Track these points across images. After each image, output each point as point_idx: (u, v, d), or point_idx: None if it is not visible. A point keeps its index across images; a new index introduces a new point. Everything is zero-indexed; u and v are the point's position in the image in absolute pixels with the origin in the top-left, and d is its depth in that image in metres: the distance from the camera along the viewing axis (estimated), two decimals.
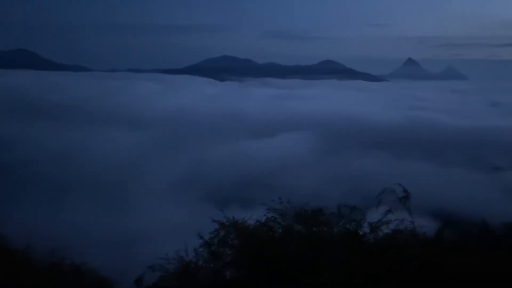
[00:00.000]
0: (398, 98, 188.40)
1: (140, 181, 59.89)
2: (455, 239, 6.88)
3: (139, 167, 67.00)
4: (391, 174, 58.03)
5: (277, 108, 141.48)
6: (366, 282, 5.92)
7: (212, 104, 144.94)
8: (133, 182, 58.48)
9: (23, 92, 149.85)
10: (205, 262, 7.06)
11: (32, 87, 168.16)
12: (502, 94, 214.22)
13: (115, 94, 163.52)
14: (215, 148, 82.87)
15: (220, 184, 61.20)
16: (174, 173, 64.98)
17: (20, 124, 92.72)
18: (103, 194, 52.41)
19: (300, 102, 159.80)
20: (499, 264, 5.23)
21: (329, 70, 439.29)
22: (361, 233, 7.80)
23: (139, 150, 78.77)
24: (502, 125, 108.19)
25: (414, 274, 5.54)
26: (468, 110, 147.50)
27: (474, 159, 77.00)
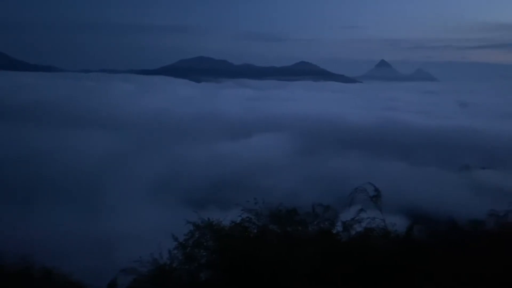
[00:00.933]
0: (372, 99, 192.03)
1: (115, 183, 58.84)
2: (424, 236, 7.09)
3: (114, 169, 65.84)
4: (365, 173, 58.95)
5: (253, 109, 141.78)
6: (338, 281, 6.04)
7: (188, 105, 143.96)
8: (107, 185, 57.42)
9: None
10: (179, 264, 7.02)
11: (2, 88, 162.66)
12: (470, 95, 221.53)
13: (88, 95, 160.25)
14: (192, 150, 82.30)
15: (196, 186, 60.82)
16: (150, 175, 64.17)
17: None
18: (76, 197, 51.26)
19: (276, 103, 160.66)
20: (466, 261, 5.41)
21: (304, 71, 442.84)
22: (334, 232, 7.95)
23: (113, 152, 77.33)
24: (471, 125, 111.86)
25: (385, 272, 5.69)
26: (438, 110, 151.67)
27: (443, 158, 79.25)
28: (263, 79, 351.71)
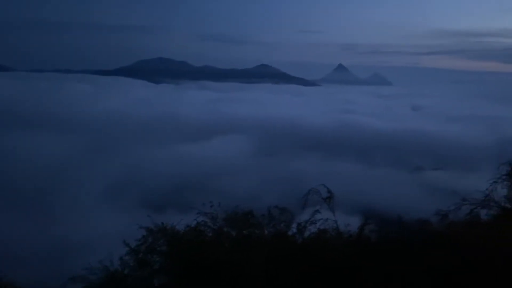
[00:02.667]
0: (330, 102, 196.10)
1: (68, 188, 56.73)
2: (375, 236, 7.26)
3: (67, 173, 63.41)
4: (323, 175, 60.19)
5: (214, 111, 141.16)
6: (292, 282, 6.08)
7: (147, 107, 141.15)
8: (61, 189, 55.27)
9: None
10: (131, 271, 6.82)
11: None
12: (423, 98, 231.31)
13: (41, 96, 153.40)
14: (150, 152, 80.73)
15: (155, 189, 59.75)
16: (107, 179, 62.33)
17: None
18: (28, 202, 48.90)
19: (236, 105, 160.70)
20: (415, 260, 5.58)
21: (264, 74, 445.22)
22: (290, 233, 8.00)
23: (68, 155, 74.53)
24: (423, 127, 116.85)
25: (337, 272, 5.79)
26: (392, 113, 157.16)
27: (398, 160, 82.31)
28: (224, 81, 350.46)
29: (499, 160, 6.07)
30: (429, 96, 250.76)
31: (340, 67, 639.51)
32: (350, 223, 7.85)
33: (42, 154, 73.31)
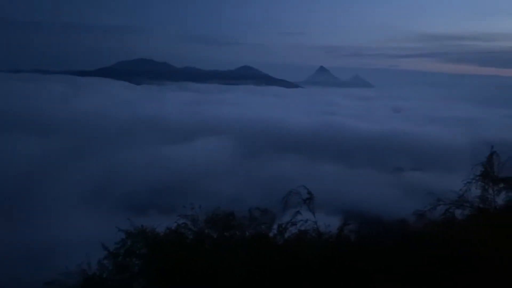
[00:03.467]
0: (312, 104, 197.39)
1: (48, 191, 55.54)
2: (354, 236, 7.33)
3: (47, 176, 62.09)
4: (305, 176, 60.53)
5: (196, 113, 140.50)
6: (273, 282, 6.09)
7: (128, 108, 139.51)
8: (39, 192, 54.08)
9: None
10: (110, 275, 6.72)
11: None
12: (403, 100, 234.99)
13: (19, 97, 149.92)
14: (131, 154, 79.76)
15: (136, 191, 59.07)
16: (86, 182, 61.30)
17: None
18: (4, 206, 47.66)
19: (218, 107, 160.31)
20: (392, 258, 5.66)
21: (246, 75, 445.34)
22: (271, 234, 8.01)
23: (46, 158, 73.00)
24: (403, 129, 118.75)
25: (317, 272, 5.83)
26: (373, 115, 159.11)
27: (378, 161, 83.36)
28: (206, 83, 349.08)
29: (475, 161, 6.22)
30: (409, 98, 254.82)
31: (322, 69, 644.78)
32: (332, 223, 7.91)
33: (20, 156, 71.68)
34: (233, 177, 67.84)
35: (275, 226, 8.08)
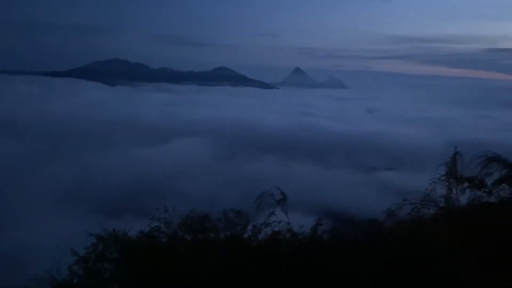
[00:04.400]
0: (288, 105, 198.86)
1: (18, 194, 53.94)
2: (328, 236, 7.43)
3: (17, 179, 60.32)
4: (281, 177, 60.97)
5: (172, 114, 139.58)
6: (247, 285, 6.12)
7: (102, 110, 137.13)
8: (9, 196, 52.44)
9: None
10: (81, 280, 6.58)
11: None
12: (376, 101, 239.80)
13: None
14: (106, 156, 78.43)
15: (111, 194, 58.15)
16: (59, 185, 59.95)
17: None
18: None
19: (195, 108, 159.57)
20: (363, 258, 5.77)
21: (223, 76, 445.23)
22: (245, 236, 8.03)
23: (17, 160, 70.90)
24: (377, 129, 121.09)
25: (289, 273, 5.89)
26: (347, 116, 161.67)
27: (353, 161, 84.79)
28: (182, 84, 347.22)
29: (446, 160, 6.42)
30: (383, 99, 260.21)
31: (298, 71, 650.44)
32: (308, 223, 7.99)
33: None
34: (210, 179, 67.64)
35: (250, 228, 8.10)
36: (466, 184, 5.80)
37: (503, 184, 5.78)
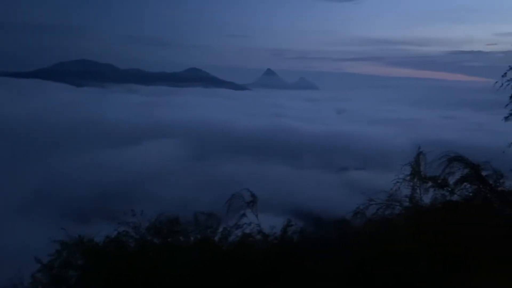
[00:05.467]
0: (260, 106, 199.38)
1: None
2: (298, 236, 7.48)
3: None
4: (254, 178, 60.93)
5: (143, 115, 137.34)
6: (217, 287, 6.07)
7: (69, 111, 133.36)
8: None
9: None
10: None
11: None
12: (346, 102, 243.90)
13: None
14: (73, 159, 76.29)
15: (80, 198, 56.59)
16: (24, 188, 57.79)
17: None
18: None
19: (166, 109, 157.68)
20: (332, 257, 5.83)
21: (194, 78, 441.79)
22: (216, 239, 7.97)
23: None
24: (347, 130, 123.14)
25: (259, 275, 5.89)
26: (318, 117, 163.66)
27: (324, 161, 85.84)
28: (153, 85, 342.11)
29: (410, 160, 6.57)
30: (352, 100, 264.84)
31: (269, 72, 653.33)
32: (280, 224, 8.00)
33: None
34: (181, 181, 66.91)
35: (221, 230, 8.04)
36: (429, 184, 5.96)
37: (465, 183, 5.97)
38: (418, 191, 5.91)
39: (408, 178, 5.95)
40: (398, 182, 5.83)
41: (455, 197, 6.01)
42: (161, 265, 6.71)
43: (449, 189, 5.94)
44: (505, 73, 6.07)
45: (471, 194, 5.93)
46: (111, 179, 65.25)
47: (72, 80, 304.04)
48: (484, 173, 5.97)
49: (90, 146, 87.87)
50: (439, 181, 5.93)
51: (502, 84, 6.11)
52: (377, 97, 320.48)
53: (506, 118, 6.20)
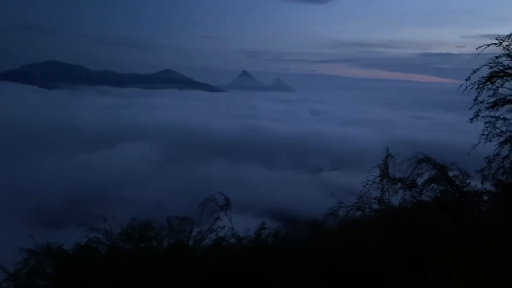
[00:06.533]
0: (235, 108, 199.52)
1: None
2: (272, 239, 7.49)
3: None
4: (230, 180, 60.89)
5: (115, 118, 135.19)
6: None
7: (39, 114, 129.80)
8: None
9: None
10: None
11: None
12: (321, 104, 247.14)
13: None
14: (44, 163, 74.30)
15: (51, 203, 55.13)
16: None
17: None
18: None
19: (140, 111, 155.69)
20: (306, 260, 5.86)
21: (169, 79, 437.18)
22: (190, 243, 7.90)
23: None
24: (322, 130, 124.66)
25: (233, 280, 5.87)
26: (294, 118, 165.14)
27: (300, 162, 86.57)
28: (126, 87, 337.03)
29: (379, 163, 6.70)
30: (327, 102, 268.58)
31: (245, 73, 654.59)
32: (255, 226, 7.99)
33: None
34: (155, 184, 66.13)
35: (194, 234, 7.97)
36: (399, 185, 6.09)
37: (433, 184, 6.12)
38: (387, 193, 6.03)
39: (377, 180, 6.06)
40: (367, 184, 5.93)
41: (423, 198, 6.16)
42: (133, 272, 6.60)
43: (418, 190, 6.10)
44: (469, 77, 6.28)
45: (439, 195, 6.09)
46: (83, 183, 63.96)
47: (42, 83, 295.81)
48: (451, 174, 6.15)
49: (61, 150, 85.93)
50: (408, 182, 6.08)
51: (466, 87, 6.31)
52: (351, 98, 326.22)
53: (471, 120, 6.40)
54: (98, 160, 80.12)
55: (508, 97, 6.45)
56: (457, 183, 6.10)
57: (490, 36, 6.46)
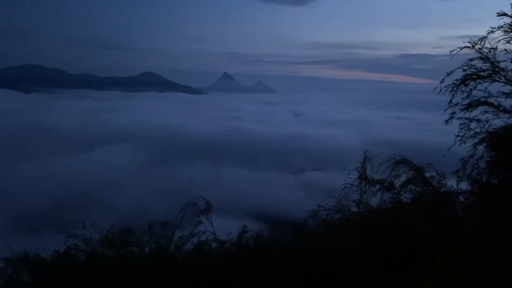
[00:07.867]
0: (217, 110, 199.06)
1: None
2: (254, 242, 7.50)
3: None
4: (212, 182, 60.66)
5: (95, 121, 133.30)
6: None
7: (16, 118, 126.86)
8: None
9: None
10: None
11: None
12: (302, 105, 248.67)
13: None
14: (22, 168, 72.62)
15: (29, 209, 53.88)
16: None
17: None
18: None
19: (120, 114, 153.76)
20: (287, 262, 5.89)
21: (149, 82, 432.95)
22: (171, 248, 7.84)
23: None
24: (304, 132, 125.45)
25: (214, 284, 5.86)
26: (276, 119, 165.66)
27: (282, 163, 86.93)
28: (105, 90, 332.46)
29: (356, 165, 6.78)
30: (308, 103, 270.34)
31: (226, 75, 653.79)
32: (238, 228, 7.97)
33: None
34: (137, 187, 65.38)
35: (176, 239, 7.92)
36: (377, 187, 6.18)
37: (410, 185, 6.24)
38: (365, 195, 6.11)
39: (356, 182, 6.14)
40: (346, 187, 6.00)
41: (402, 199, 6.27)
42: (113, 278, 6.52)
43: (396, 191, 6.21)
44: (443, 79, 6.44)
45: (417, 196, 6.21)
46: (62, 188, 62.77)
47: (18, 86, 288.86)
48: (428, 175, 6.28)
49: (40, 154, 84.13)
50: (386, 184, 6.18)
51: (441, 90, 6.47)
52: (332, 99, 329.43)
53: (446, 122, 6.56)
54: (77, 164, 78.76)
55: (482, 99, 6.63)
56: (434, 184, 6.23)
57: (466, 37, 6.62)
